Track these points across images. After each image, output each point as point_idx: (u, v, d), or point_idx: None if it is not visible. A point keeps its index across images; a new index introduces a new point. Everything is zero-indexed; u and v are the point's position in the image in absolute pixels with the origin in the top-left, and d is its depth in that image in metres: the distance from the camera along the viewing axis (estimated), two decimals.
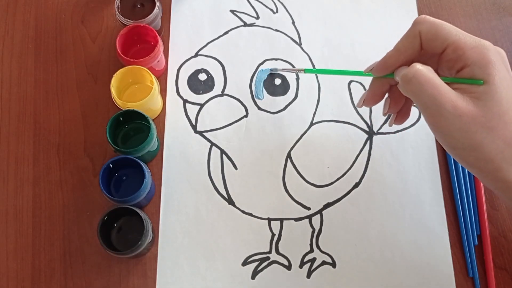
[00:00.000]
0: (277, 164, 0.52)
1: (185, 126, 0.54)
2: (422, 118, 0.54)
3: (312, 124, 0.54)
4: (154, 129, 0.48)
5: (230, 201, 0.51)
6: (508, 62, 0.37)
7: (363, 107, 0.44)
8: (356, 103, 0.55)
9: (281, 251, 0.50)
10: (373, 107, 0.54)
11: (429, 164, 0.53)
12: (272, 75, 0.55)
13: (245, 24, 0.58)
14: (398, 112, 0.43)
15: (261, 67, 0.56)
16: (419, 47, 0.38)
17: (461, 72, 0.36)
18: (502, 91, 0.34)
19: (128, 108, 0.48)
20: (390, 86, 0.42)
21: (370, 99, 0.43)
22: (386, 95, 0.43)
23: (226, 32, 0.57)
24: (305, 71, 0.49)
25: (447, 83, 0.36)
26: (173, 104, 0.54)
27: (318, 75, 0.56)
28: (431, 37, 0.37)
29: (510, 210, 0.50)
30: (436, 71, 0.37)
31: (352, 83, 0.55)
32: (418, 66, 0.36)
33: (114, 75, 0.49)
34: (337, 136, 0.53)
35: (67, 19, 0.58)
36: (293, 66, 0.56)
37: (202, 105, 0.54)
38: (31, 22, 0.57)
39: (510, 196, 0.36)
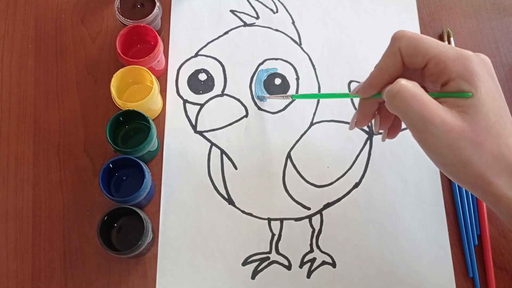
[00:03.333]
0: (277, 164, 0.52)
1: (185, 126, 0.54)
2: None
3: (312, 124, 0.54)
4: (154, 129, 0.48)
5: (230, 201, 0.51)
6: (493, 70, 0.36)
7: (357, 105, 0.43)
8: (356, 103, 0.55)
9: (281, 251, 0.50)
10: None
11: (429, 164, 0.52)
12: (272, 74, 0.55)
13: (245, 24, 0.58)
14: (390, 127, 0.43)
15: (261, 67, 0.56)
16: (401, 63, 0.37)
17: (447, 86, 0.35)
18: (489, 103, 0.34)
19: (128, 108, 0.48)
20: (378, 104, 0.41)
21: (361, 120, 0.42)
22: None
23: (226, 32, 0.57)
24: (292, 96, 0.49)
25: (434, 98, 0.35)
26: (173, 104, 0.54)
27: (318, 74, 0.56)
28: (411, 53, 0.36)
29: None
30: (421, 86, 0.36)
31: (352, 83, 0.55)
32: (403, 82, 0.35)
33: (114, 75, 0.49)
34: (337, 136, 0.53)
35: (67, 19, 0.58)
36: (293, 67, 0.56)
37: (202, 105, 0.54)
38: (31, 22, 0.57)
39: (501, 210, 0.35)
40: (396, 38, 0.36)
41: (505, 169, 0.34)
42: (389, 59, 0.37)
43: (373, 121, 0.42)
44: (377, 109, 0.41)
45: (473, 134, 0.33)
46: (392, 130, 0.43)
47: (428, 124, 0.33)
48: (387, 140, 0.53)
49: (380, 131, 0.43)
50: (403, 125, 0.53)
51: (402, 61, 0.37)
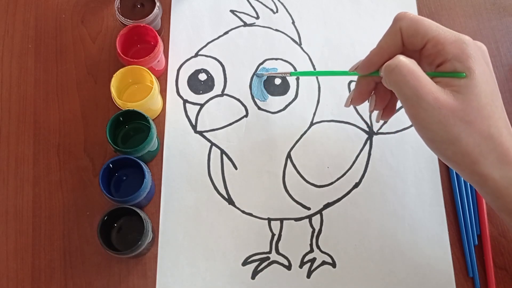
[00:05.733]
0: (277, 164, 0.52)
1: (185, 126, 0.54)
2: None
3: (312, 124, 0.54)
4: (154, 129, 0.48)
5: (230, 201, 0.51)
6: (488, 57, 0.37)
7: (356, 106, 0.44)
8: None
9: (281, 251, 0.50)
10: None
11: (429, 164, 0.53)
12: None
13: (245, 24, 0.58)
14: (384, 108, 0.44)
15: (261, 67, 0.56)
16: (401, 43, 0.38)
17: (442, 67, 0.36)
18: (481, 85, 0.35)
19: (128, 108, 0.48)
20: (375, 84, 0.42)
21: (357, 98, 0.43)
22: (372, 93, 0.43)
23: (226, 32, 0.57)
24: (291, 74, 0.50)
25: (430, 77, 0.36)
26: (173, 104, 0.54)
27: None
28: (411, 33, 0.37)
29: None
30: None
31: (352, 83, 0.55)
32: (401, 57, 0.36)
33: (114, 75, 0.49)
34: (337, 136, 0.53)
35: (67, 19, 0.58)
36: (293, 67, 0.56)
37: (202, 105, 0.54)
38: (31, 22, 0.57)
39: (486, 190, 0.36)
40: (398, 19, 0.38)
41: (493, 149, 0.35)
42: (390, 38, 0.39)
43: (368, 101, 0.43)
44: (373, 88, 0.42)
45: (463, 113, 0.35)
46: (387, 111, 0.44)
47: (421, 100, 0.35)
48: (387, 140, 0.53)
49: (375, 111, 0.44)
50: (407, 123, 0.54)
51: (402, 41, 0.38)
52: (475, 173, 0.36)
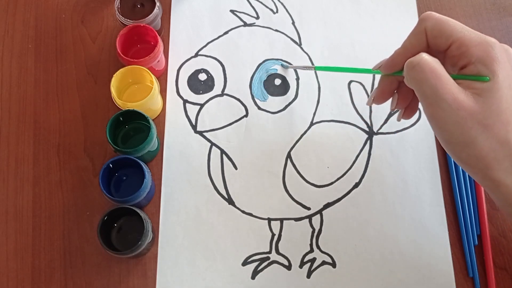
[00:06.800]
0: (277, 164, 0.52)
1: (185, 126, 0.54)
2: (423, 118, 0.54)
3: (312, 124, 0.54)
4: (154, 129, 0.48)
5: (230, 201, 0.51)
6: None
7: (371, 105, 0.44)
8: (356, 103, 0.55)
9: (281, 251, 0.50)
10: (372, 107, 0.54)
11: (429, 164, 0.53)
12: (272, 75, 0.55)
13: (245, 24, 0.58)
14: (406, 107, 0.43)
15: (261, 67, 0.56)
16: (426, 44, 0.38)
17: (466, 69, 0.36)
18: (503, 90, 0.34)
19: (128, 108, 0.48)
20: (398, 83, 0.42)
21: (379, 97, 0.43)
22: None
23: (226, 32, 0.57)
24: (316, 68, 0.50)
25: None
26: (173, 104, 0.54)
27: (318, 74, 0.56)
28: (436, 34, 0.37)
29: None
30: None
31: (352, 83, 0.55)
32: (424, 55, 0.36)
33: (114, 75, 0.49)
34: (337, 136, 0.53)
35: (67, 19, 0.58)
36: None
37: (202, 105, 0.54)
38: (31, 22, 0.57)
39: (498, 196, 0.36)
40: (424, 19, 0.38)
41: (508, 155, 0.34)
42: (415, 38, 0.38)
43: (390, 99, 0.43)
44: (396, 88, 0.42)
45: (482, 116, 0.34)
46: (409, 111, 0.44)
47: (440, 99, 0.34)
48: (387, 140, 0.53)
49: (396, 110, 0.44)
50: (407, 123, 0.53)
51: (426, 41, 0.38)
52: (487, 178, 0.35)
